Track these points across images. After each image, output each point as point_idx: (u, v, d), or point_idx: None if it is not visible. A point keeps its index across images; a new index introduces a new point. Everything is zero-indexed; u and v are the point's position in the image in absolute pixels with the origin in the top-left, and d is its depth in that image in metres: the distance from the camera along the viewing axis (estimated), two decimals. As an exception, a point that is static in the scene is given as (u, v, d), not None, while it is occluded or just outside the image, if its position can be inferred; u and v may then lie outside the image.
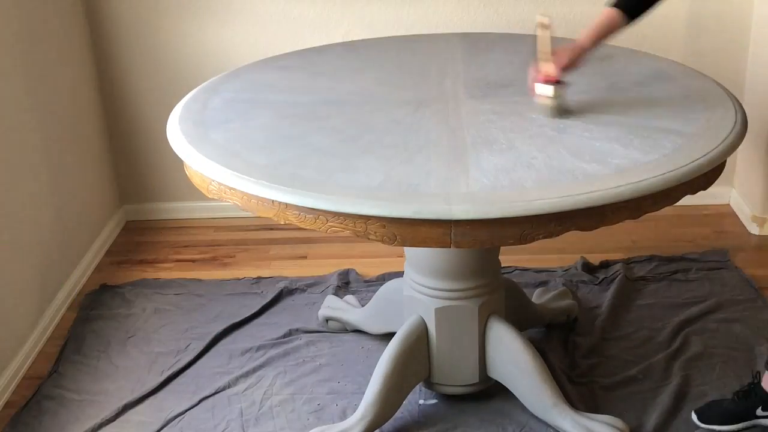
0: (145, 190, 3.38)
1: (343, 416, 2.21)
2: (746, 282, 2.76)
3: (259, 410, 2.27)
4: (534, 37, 2.63)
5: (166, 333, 2.63)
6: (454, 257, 2.11)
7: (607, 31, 2.00)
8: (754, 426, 2.15)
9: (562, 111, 1.98)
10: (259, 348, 2.53)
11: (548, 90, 1.96)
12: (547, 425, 2.14)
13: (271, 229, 3.22)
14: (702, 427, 2.15)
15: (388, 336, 2.25)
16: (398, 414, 2.17)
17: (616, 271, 2.81)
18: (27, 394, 2.38)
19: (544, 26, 1.97)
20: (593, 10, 3.05)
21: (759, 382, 2.15)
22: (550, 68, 1.96)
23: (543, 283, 2.79)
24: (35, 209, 2.68)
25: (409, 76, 2.31)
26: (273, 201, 1.71)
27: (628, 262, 2.89)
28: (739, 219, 3.22)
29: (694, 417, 2.17)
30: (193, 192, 3.15)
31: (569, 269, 2.86)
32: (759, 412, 2.14)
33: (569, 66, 1.97)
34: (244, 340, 2.58)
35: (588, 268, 2.86)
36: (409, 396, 2.20)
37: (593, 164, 1.74)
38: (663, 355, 2.42)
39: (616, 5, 1.99)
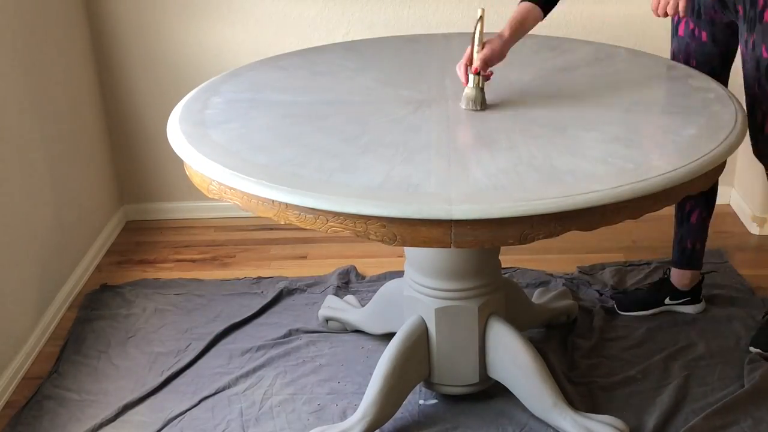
0: (145, 190, 3.39)
1: (343, 416, 2.22)
2: (743, 282, 2.76)
3: (260, 410, 2.27)
4: (533, 37, 2.64)
5: (166, 333, 2.63)
6: (454, 257, 2.11)
7: (527, 24, 2.10)
8: (663, 312, 2.61)
9: (478, 102, 2.04)
10: (259, 348, 2.53)
11: (470, 80, 2.03)
12: (547, 425, 2.14)
13: (271, 229, 3.22)
14: (622, 314, 2.61)
15: (388, 336, 2.25)
16: (398, 414, 2.17)
17: (613, 276, 2.81)
18: (27, 394, 2.38)
19: (481, 18, 2.02)
20: (593, 9, 3.07)
21: (668, 278, 2.60)
22: (475, 62, 2.03)
23: (543, 283, 2.79)
24: (35, 209, 2.68)
25: (409, 76, 2.31)
26: (273, 201, 1.71)
27: (625, 266, 2.89)
28: (739, 219, 3.22)
29: (614, 305, 2.63)
30: (193, 192, 3.16)
31: (569, 274, 2.86)
32: (667, 301, 2.60)
33: (492, 57, 2.04)
34: (244, 340, 2.58)
35: (585, 273, 2.86)
36: (409, 396, 2.20)
37: (593, 164, 1.74)
38: (662, 356, 2.42)
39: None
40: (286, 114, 2.07)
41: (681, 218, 2.55)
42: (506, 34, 2.07)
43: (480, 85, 2.03)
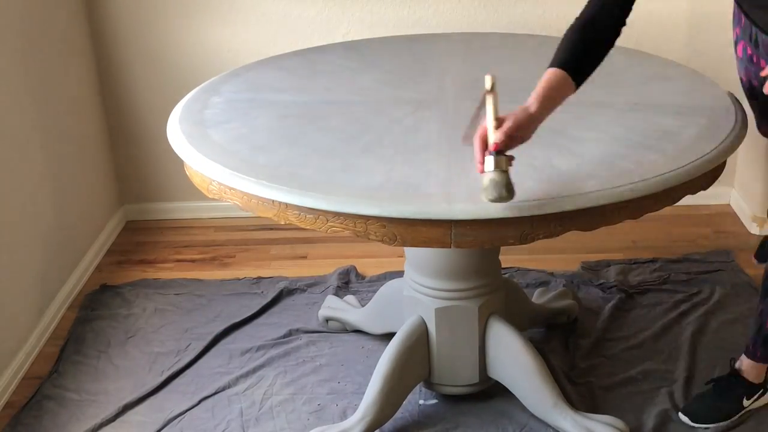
0: (145, 190, 3.38)
1: (343, 416, 2.22)
2: (749, 283, 2.75)
3: (260, 410, 2.27)
4: (533, 37, 2.64)
5: (166, 333, 2.63)
6: (454, 257, 2.11)
7: (558, 97, 1.68)
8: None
9: (504, 189, 1.55)
10: (259, 348, 2.53)
11: (489, 162, 1.56)
12: (548, 425, 2.14)
13: (271, 229, 3.22)
14: (699, 428, 2.15)
15: (388, 336, 2.25)
16: (398, 414, 2.17)
17: (618, 273, 2.81)
18: (27, 394, 2.38)
19: (490, 90, 1.63)
20: (593, 10, 3.06)
21: (738, 374, 2.17)
22: (494, 136, 1.59)
23: (543, 283, 2.79)
24: (35, 209, 2.68)
25: (409, 76, 2.31)
26: (273, 201, 1.71)
27: (630, 263, 2.89)
28: (739, 219, 3.22)
29: (685, 419, 2.17)
30: (193, 192, 3.14)
31: (570, 272, 2.86)
32: (746, 402, 2.17)
33: (519, 129, 1.61)
34: (245, 340, 2.58)
35: (590, 269, 2.86)
36: (409, 396, 2.20)
37: (593, 164, 1.74)
38: (663, 356, 2.42)
39: (563, 66, 1.68)
40: (286, 114, 2.07)
41: None
42: (534, 108, 1.63)
43: (504, 168, 1.56)
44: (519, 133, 1.61)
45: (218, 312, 2.72)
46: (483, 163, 1.57)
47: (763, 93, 1.84)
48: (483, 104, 1.64)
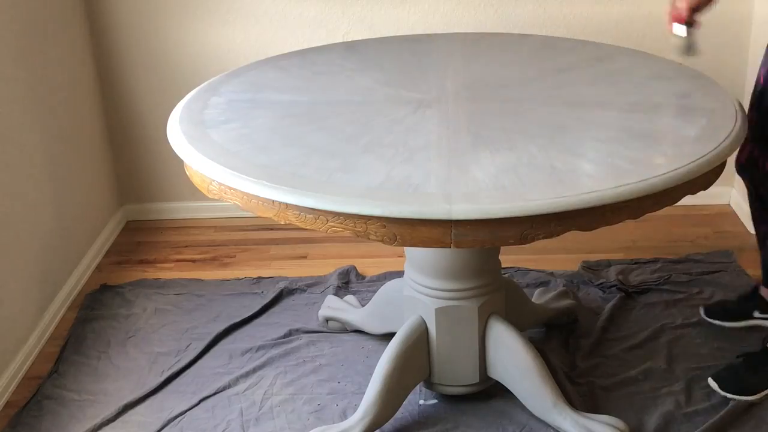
0: (145, 190, 3.39)
1: (344, 416, 2.22)
2: (750, 284, 2.75)
3: (260, 410, 2.27)
4: (533, 37, 2.64)
5: (166, 333, 2.63)
6: (454, 257, 2.11)
7: None
8: (751, 327, 2.49)
9: (692, 50, 2.11)
10: (259, 348, 2.53)
11: (681, 30, 2.10)
12: (548, 425, 2.14)
13: (271, 229, 3.22)
14: (714, 323, 2.51)
15: (389, 336, 2.25)
16: (398, 414, 2.17)
17: (619, 273, 2.81)
18: (27, 394, 2.39)
19: None
20: (594, 10, 3.07)
21: (758, 290, 2.48)
22: (682, 9, 2.08)
23: (543, 283, 2.79)
24: (35, 209, 2.68)
25: (409, 76, 2.31)
26: (273, 201, 1.71)
27: (632, 263, 2.89)
28: (739, 219, 3.22)
29: (702, 313, 2.55)
30: (193, 192, 3.16)
31: (570, 272, 2.86)
32: (756, 314, 2.48)
33: (700, 6, 2.07)
34: (245, 340, 2.58)
35: (590, 268, 2.86)
36: (409, 396, 2.20)
37: (593, 164, 1.74)
38: (664, 356, 2.42)
39: None
40: (286, 114, 2.07)
41: (763, 239, 2.38)
42: None
43: (691, 35, 2.10)
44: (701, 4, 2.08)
45: (218, 312, 2.72)
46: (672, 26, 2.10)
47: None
48: None
